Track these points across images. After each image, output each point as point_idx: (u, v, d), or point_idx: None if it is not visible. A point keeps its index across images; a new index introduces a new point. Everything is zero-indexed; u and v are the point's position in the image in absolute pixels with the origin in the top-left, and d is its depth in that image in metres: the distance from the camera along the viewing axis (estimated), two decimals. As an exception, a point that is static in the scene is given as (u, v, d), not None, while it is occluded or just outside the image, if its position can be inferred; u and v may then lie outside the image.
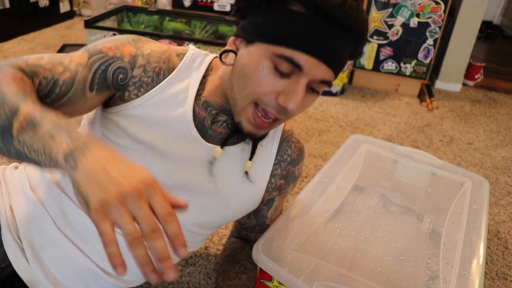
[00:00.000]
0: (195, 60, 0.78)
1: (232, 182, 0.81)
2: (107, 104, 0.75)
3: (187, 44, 2.12)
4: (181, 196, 0.77)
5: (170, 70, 0.75)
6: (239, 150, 0.81)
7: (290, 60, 0.63)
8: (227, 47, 0.71)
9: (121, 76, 0.71)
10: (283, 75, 0.65)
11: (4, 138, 0.54)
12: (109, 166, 0.48)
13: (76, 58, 0.69)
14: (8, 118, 0.53)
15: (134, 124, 0.72)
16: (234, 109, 0.72)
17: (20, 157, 0.54)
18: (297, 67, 0.64)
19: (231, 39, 0.71)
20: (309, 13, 0.63)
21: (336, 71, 0.67)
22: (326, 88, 0.70)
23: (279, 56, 0.63)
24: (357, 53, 0.70)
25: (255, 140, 0.80)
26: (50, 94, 0.67)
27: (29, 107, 0.54)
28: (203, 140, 0.75)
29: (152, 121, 0.72)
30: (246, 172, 0.81)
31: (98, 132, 0.74)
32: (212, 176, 0.79)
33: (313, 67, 0.64)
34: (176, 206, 0.50)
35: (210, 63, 0.79)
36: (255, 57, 0.66)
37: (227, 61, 0.72)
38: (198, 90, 0.76)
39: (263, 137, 0.80)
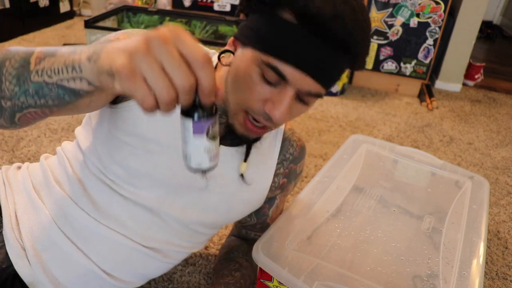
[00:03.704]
0: None
1: (237, 184, 0.81)
2: (116, 100, 0.73)
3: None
4: (186, 196, 0.78)
5: None
6: (244, 151, 0.81)
7: (275, 70, 0.62)
8: (226, 47, 0.71)
9: None
10: (270, 83, 0.64)
11: (20, 79, 0.53)
12: (132, 37, 0.43)
13: None
14: (24, 58, 0.53)
15: (143, 119, 0.71)
16: (228, 111, 0.72)
17: (40, 90, 0.53)
18: (282, 78, 0.62)
19: (231, 39, 0.70)
20: (299, 24, 0.60)
21: (326, 85, 0.65)
22: (316, 99, 0.68)
23: (265, 64, 0.62)
24: (358, 65, 0.67)
25: (249, 143, 0.79)
26: None
27: (44, 47, 0.54)
28: None
29: (161, 116, 0.71)
30: (242, 175, 0.81)
31: (105, 130, 0.73)
32: (216, 178, 0.79)
33: (299, 79, 0.62)
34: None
35: (217, 62, 0.78)
36: (246, 61, 0.65)
37: (225, 62, 0.71)
38: None
39: (257, 139, 0.79)
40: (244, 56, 0.65)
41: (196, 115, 0.45)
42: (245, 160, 0.80)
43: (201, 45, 0.42)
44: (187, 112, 0.45)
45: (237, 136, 0.73)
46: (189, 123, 0.45)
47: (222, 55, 0.72)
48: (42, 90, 0.53)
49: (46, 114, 0.58)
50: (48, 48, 0.54)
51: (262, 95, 0.65)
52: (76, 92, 0.51)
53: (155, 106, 0.42)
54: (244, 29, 0.67)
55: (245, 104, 0.67)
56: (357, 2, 0.61)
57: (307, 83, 0.63)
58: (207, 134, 0.46)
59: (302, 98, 0.66)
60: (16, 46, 0.58)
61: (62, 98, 0.53)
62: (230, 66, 0.69)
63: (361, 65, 0.68)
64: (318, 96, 0.66)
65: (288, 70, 0.61)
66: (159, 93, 0.41)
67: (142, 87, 0.41)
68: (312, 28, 0.59)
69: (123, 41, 0.44)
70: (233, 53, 0.70)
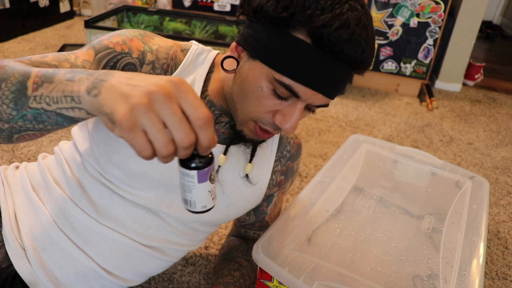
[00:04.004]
0: (199, 55, 0.77)
1: (235, 182, 0.81)
2: None
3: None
4: None
5: (177, 66, 0.74)
6: (242, 149, 0.81)
7: (288, 88, 0.63)
8: (229, 53, 0.71)
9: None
10: (281, 97, 0.65)
11: (18, 104, 0.52)
12: (133, 79, 0.43)
13: (81, 55, 0.68)
14: (21, 81, 0.52)
15: None
16: (235, 118, 0.73)
17: (38, 117, 0.52)
18: (294, 95, 0.64)
19: (233, 45, 0.70)
20: (313, 44, 0.60)
21: (334, 97, 0.68)
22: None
23: (278, 81, 0.63)
24: (361, 73, 0.69)
25: (256, 144, 0.80)
26: None
27: (40, 68, 0.54)
28: None
29: None
30: (247, 175, 0.81)
31: (102, 133, 0.73)
32: (216, 177, 0.79)
33: (311, 96, 0.64)
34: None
35: (214, 59, 0.78)
36: (256, 75, 0.65)
37: (228, 67, 0.71)
38: (202, 87, 0.76)
39: (263, 140, 0.80)
40: (253, 69, 0.65)
41: (196, 165, 0.46)
42: (250, 161, 0.80)
43: (202, 102, 0.43)
44: (186, 162, 0.46)
45: (245, 140, 0.74)
46: (193, 173, 0.46)
47: (225, 60, 0.71)
48: (41, 117, 0.53)
49: (44, 134, 0.58)
50: (45, 72, 0.53)
51: (272, 107, 0.66)
52: (75, 119, 0.52)
53: (153, 156, 0.43)
54: (250, 40, 0.66)
55: (254, 115, 0.68)
56: (367, 17, 0.62)
57: (318, 98, 0.65)
58: (210, 178, 0.47)
59: (311, 108, 0.69)
60: (12, 62, 0.57)
61: (60, 124, 0.53)
62: (235, 73, 0.70)
63: (364, 72, 0.70)
64: (326, 106, 0.68)
65: (301, 88, 0.63)
66: (159, 147, 0.42)
67: (141, 140, 0.41)
68: (327, 48, 0.60)
69: (125, 82, 0.44)
70: (236, 59, 0.69)
